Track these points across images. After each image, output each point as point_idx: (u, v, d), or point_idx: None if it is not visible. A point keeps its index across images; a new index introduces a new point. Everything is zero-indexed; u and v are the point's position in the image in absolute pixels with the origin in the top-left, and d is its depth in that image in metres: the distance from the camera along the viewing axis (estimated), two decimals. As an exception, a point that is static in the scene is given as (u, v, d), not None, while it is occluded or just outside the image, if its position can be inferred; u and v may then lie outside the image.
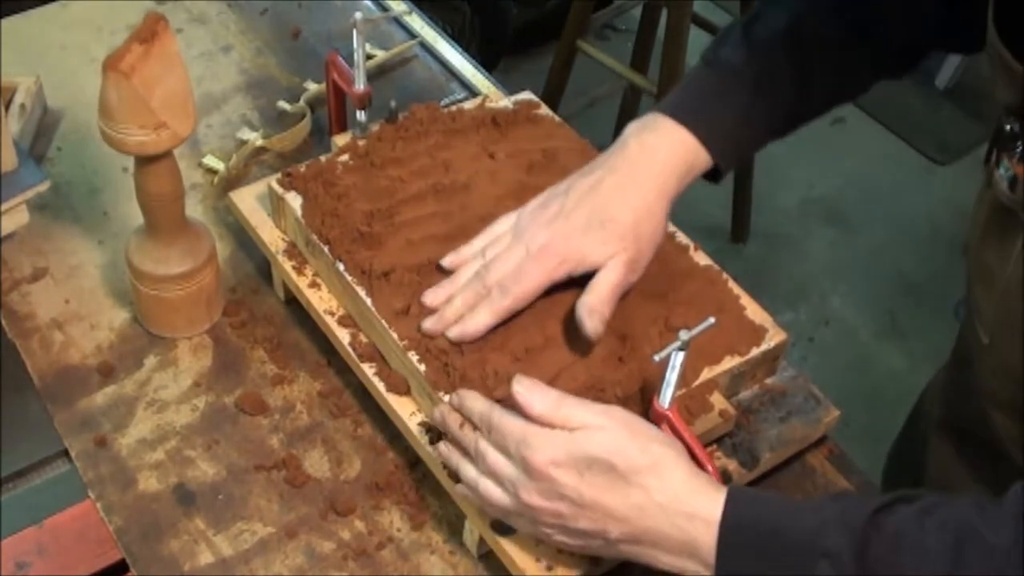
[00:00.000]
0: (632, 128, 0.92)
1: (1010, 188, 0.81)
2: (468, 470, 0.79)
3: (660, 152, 0.90)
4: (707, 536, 0.70)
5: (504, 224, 0.92)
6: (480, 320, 0.86)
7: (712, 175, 0.93)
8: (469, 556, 0.88)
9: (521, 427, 0.75)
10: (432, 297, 0.89)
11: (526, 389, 0.76)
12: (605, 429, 0.73)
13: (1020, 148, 0.80)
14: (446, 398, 0.83)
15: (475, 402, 0.80)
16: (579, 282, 0.90)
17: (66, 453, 0.93)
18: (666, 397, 0.80)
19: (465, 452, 0.80)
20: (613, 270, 0.86)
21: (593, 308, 0.85)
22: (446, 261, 0.92)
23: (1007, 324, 0.85)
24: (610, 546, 0.74)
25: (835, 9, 0.93)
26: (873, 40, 0.93)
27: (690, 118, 0.90)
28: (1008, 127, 0.80)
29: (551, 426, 0.74)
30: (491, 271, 0.88)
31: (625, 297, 0.90)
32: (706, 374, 0.88)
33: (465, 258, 0.91)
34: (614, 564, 0.84)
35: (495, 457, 0.76)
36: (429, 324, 0.88)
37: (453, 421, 0.81)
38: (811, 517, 0.69)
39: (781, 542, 0.69)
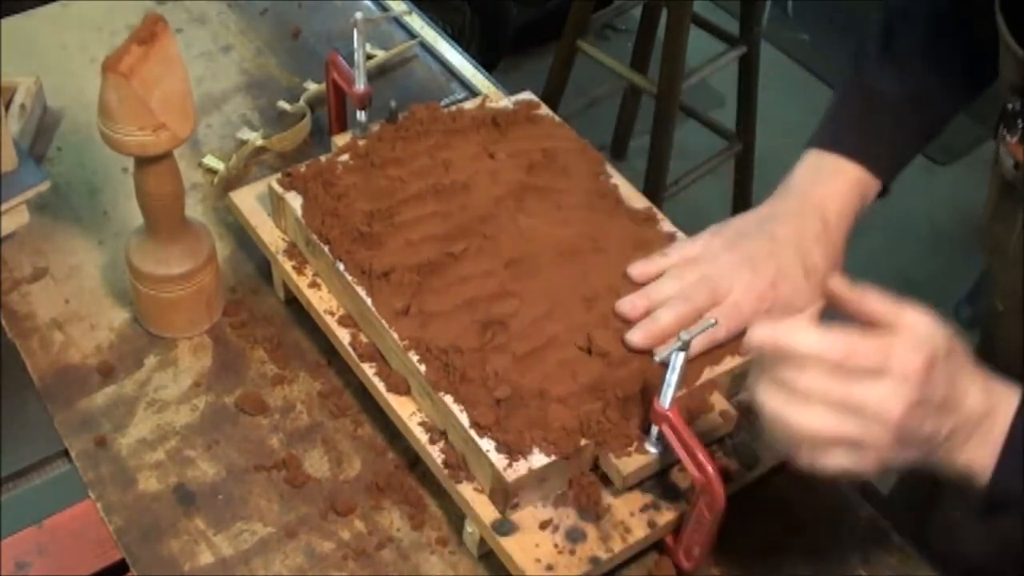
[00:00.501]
0: (806, 170, 0.95)
1: (1014, 166, 0.85)
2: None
3: (841, 195, 0.93)
4: (1007, 410, 0.71)
5: (693, 248, 0.93)
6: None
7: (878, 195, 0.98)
8: (469, 556, 0.88)
9: (877, 341, 0.69)
10: (630, 307, 0.89)
11: (846, 287, 0.73)
12: (925, 315, 0.71)
13: (1021, 126, 0.84)
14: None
15: (800, 335, 0.70)
16: (583, 284, 0.91)
17: (66, 453, 0.93)
18: (667, 397, 0.80)
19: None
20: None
21: None
22: (635, 270, 0.92)
23: (1013, 294, 0.89)
24: (928, 451, 0.72)
25: (963, 20, 0.96)
26: (988, 44, 0.96)
27: (860, 153, 0.94)
28: (1010, 106, 0.84)
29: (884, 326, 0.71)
30: (695, 298, 0.88)
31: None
32: (707, 374, 0.88)
33: (650, 273, 0.92)
34: (613, 565, 0.84)
35: (853, 389, 0.69)
36: (637, 337, 0.87)
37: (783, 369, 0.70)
38: None
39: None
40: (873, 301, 0.72)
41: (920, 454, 0.72)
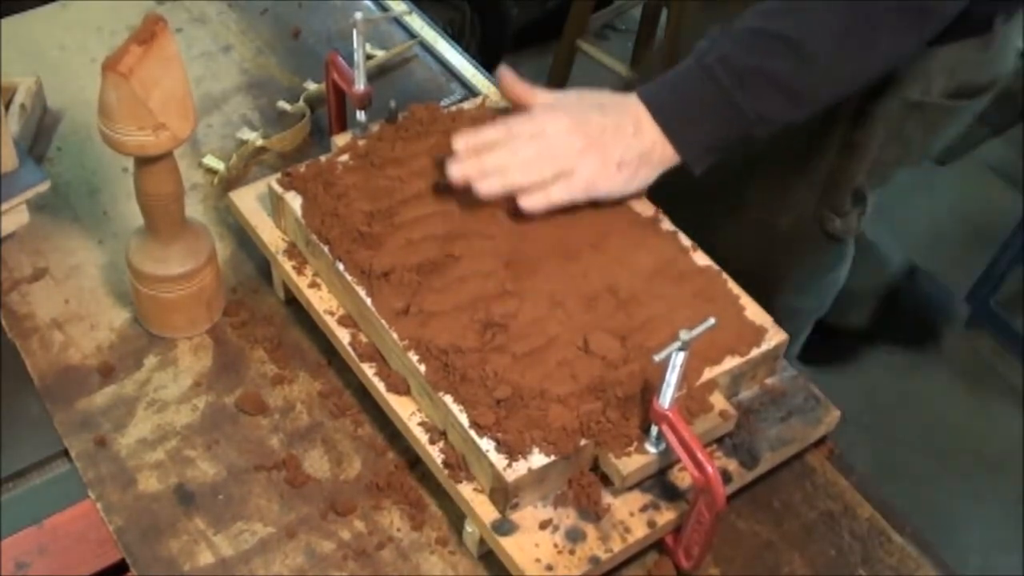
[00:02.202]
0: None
1: None
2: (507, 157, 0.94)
3: None
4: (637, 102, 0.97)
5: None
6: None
7: None
8: (469, 556, 0.88)
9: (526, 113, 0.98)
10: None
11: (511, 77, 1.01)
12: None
13: None
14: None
15: (482, 133, 0.95)
16: (584, 284, 0.91)
17: (66, 453, 0.93)
18: (666, 397, 0.80)
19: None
20: None
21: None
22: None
23: None
24: (631, 146, 0.96)
25: None
26: None
27: None
28: None
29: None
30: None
31: (626, 297, 0.90)
32: (706, 374, 0.88)
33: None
34: (613, 565, 0.84)
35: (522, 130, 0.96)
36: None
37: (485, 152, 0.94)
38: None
39: (678, 70, 0.98)
40: (519, 88, 1.00)
41: (629, 149, 0.95)
